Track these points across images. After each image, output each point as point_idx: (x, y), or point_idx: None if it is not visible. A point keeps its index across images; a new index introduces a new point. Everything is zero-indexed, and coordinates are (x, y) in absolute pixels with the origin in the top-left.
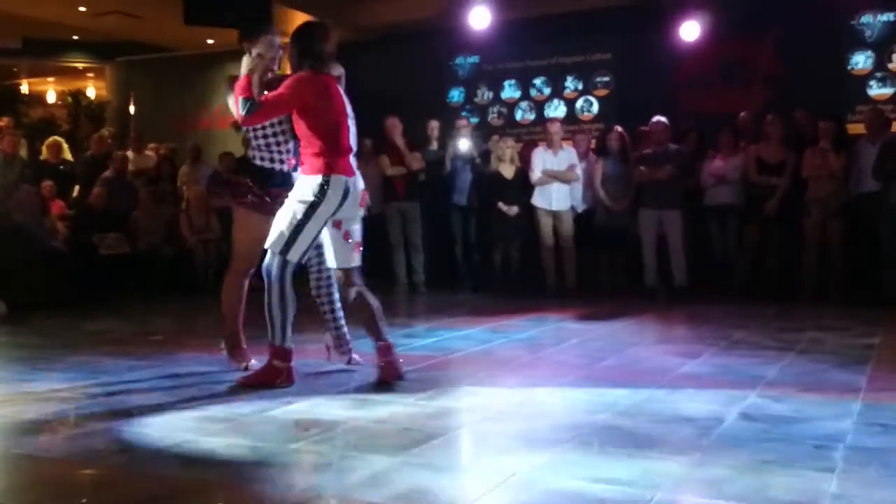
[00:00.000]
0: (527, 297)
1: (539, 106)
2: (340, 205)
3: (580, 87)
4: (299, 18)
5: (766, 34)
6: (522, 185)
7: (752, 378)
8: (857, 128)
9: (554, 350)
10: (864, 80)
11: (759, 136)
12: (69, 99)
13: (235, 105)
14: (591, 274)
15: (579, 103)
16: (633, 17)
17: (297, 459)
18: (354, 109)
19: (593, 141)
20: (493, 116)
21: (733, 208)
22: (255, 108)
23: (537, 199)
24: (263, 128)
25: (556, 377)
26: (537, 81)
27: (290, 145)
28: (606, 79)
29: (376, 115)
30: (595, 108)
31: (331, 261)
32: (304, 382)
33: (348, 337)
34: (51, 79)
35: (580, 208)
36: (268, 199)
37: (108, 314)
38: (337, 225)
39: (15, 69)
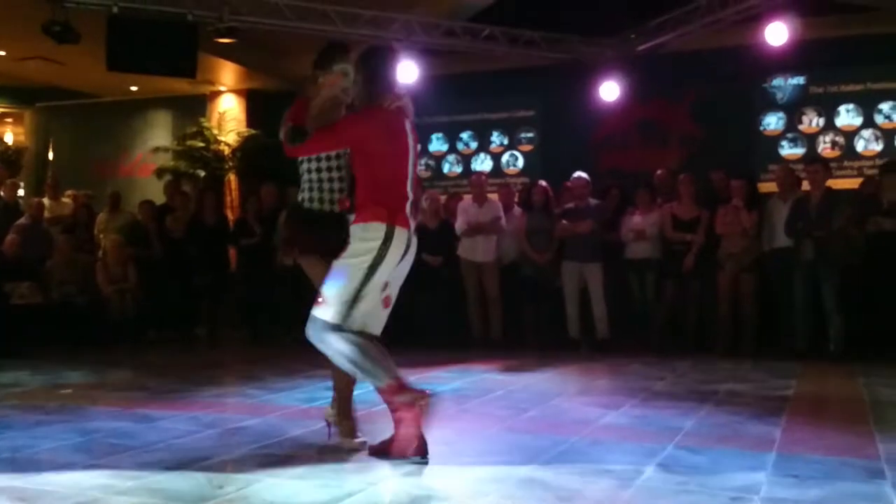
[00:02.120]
0: (452, 348)
1: (466, 159)
2: (400, 261)
3: (505, 142)
4: (228, 68)
5: (683, 96)
6: (446, 237)
7: (670, 429)
8: (768, 186)
9: (479, 402)
10: (775, 140)
11: (675, 193)
12: None
13: (283, 130)
14: (516, 325)
15: (505, 158)
16: (556, 76)
17: None
18: (284, 159)
19: (517, 194)
20: (420, 169)
21: (651, 262)
22: (302, 138)
23: (463, 251)
24: (312, 160)
25: (480, 429)
26: (464, 136)
27: (345, 184)
28: (531, 135)
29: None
30: (520, 162)
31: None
32: (220, 438)
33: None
34: None
35: (505, 260)
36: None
37: (19, 366)
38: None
39: None
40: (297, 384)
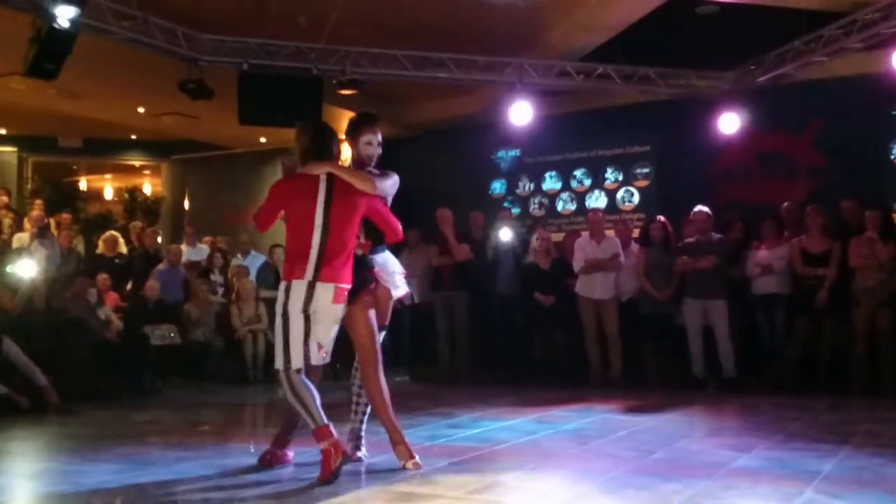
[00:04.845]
0: (571, 386)
1: (580, 197)
2: (308, 300)
3: (620, 178)
4: (349, 117)
5: (806, 126)
6: (559, 276)
7: (807, 473)
8: None
9: (602, 442)
10: None
11: (803, 226)
12: (126, 195)
13: None
14: (636, 364)
15: (620, 194)
16: (671, 111)
17: None
18: (402, 200)
19: (635, 230)
20: (534, 207)
21: (780, 298)
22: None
23: (581, 288)
24: None
25: (606, 471)
26: (578, 173)
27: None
28: (646, 170)
29: (422, 206)
30: (636, 198)
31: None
32: (349, 474)
33: (362, 435)
34: (108, 176)
35: (624, 297)
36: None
37: (158, 405)
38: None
39: (75, 167)
40: (418, 422)
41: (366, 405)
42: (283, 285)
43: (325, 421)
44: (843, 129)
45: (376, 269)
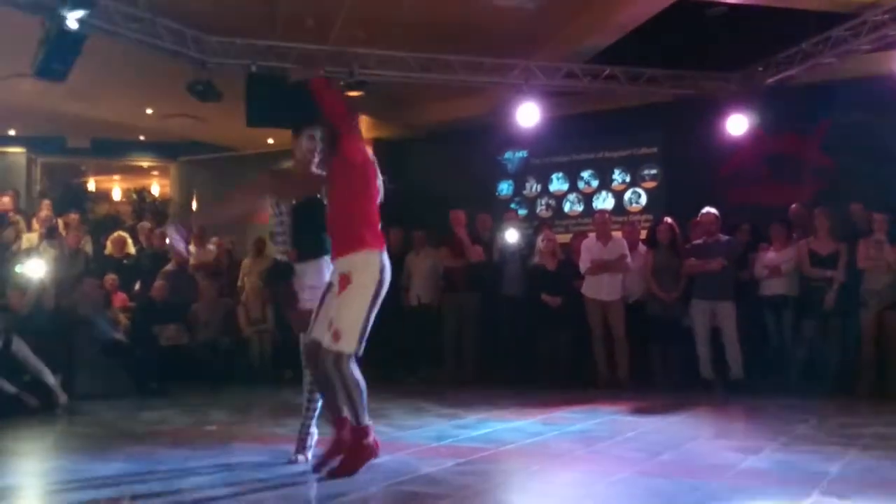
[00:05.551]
0: (578, 388)
1: (587, 198)
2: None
3: (627, 179)
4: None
5: (814, 128)
6: (566, 277)
7: (815, 475)
8: None
9: (608, 444)
10: None
11: (811, 228)
12: (134, 196)
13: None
14: (643, 365)
15: (627, 195)
16: (679, 112)
17: None
18: (409, 202)
19: (643, 232)
20: (541, 208)
21: (788, 300)
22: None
23: (587, 290)
24: (284, 213)
25: (613, 472)
26: (585, 174)
27: (287, 236)
28: (654, 171)
29: (428, 208)
30: (643, 199)
31: (317, 332)
32: (354, 477)
33: (313, 438)
34: (117, 177)
35: (631, 299)
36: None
37: (167, 404)
38: None
39: (83, 168)
40: (425, 422)
41: (315, 409)
42: (375, 254)
43: (369, 421)
44: (852, 131)
45: (293, 279)
